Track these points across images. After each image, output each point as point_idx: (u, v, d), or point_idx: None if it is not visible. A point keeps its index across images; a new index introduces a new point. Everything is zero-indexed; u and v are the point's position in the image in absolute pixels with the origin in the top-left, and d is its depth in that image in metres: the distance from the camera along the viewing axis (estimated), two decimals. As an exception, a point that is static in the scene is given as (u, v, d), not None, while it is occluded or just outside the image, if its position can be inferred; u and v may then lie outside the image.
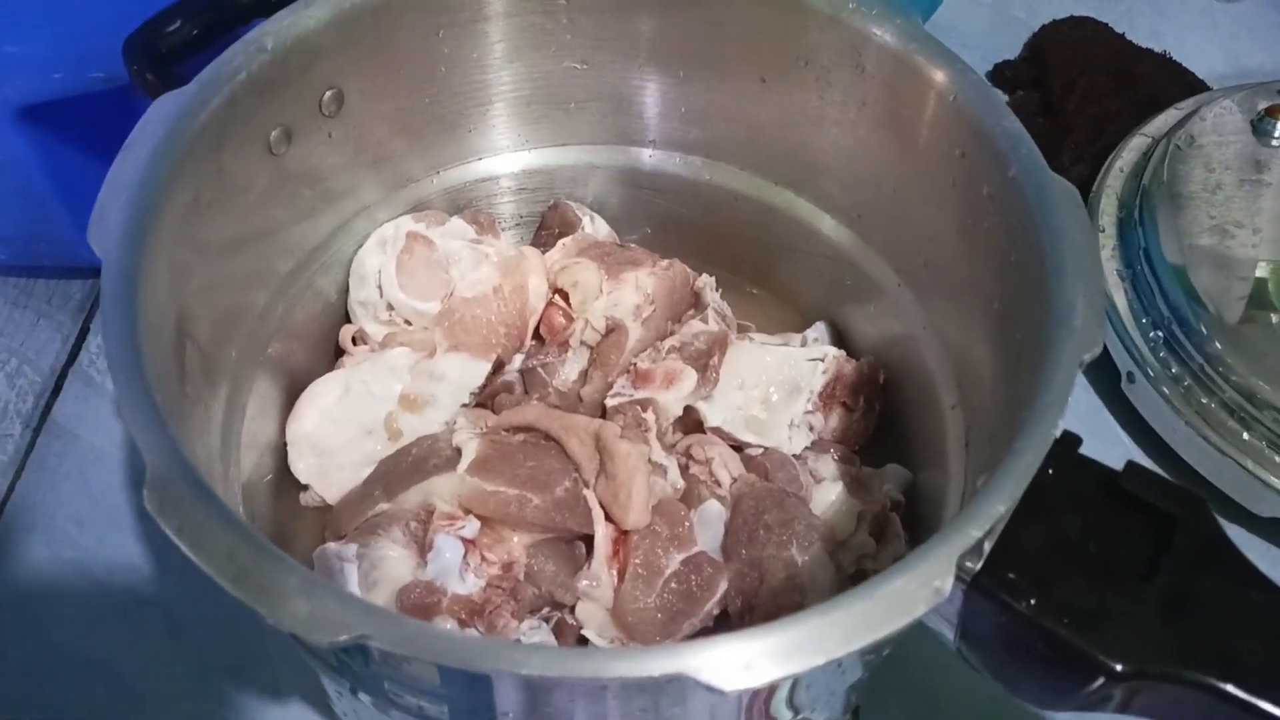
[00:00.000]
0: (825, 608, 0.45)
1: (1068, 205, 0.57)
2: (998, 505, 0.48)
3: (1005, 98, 1.12)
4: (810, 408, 0.77)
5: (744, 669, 0.43)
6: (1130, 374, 0.88)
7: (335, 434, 0.75)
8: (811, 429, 0.77)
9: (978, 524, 0.47)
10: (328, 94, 0.70)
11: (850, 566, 0.71)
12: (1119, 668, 0.48)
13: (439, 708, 0.54)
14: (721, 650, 0.43)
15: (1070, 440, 0.54)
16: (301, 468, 0.75)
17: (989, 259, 0.64)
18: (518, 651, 0.46)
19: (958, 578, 0.48)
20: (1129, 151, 0.98)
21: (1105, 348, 0.89)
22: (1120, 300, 0.90)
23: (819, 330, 0.84)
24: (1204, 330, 0.83)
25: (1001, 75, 1.13)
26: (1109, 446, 0.91)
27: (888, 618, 0.45)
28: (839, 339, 0.84)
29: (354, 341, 0.80)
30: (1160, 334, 0.87)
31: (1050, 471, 0.52)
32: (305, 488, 0.76)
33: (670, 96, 0.80)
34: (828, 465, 0.75)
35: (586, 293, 0.76)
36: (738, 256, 0.88)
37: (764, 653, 0.43)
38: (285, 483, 0.76)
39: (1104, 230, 0.94)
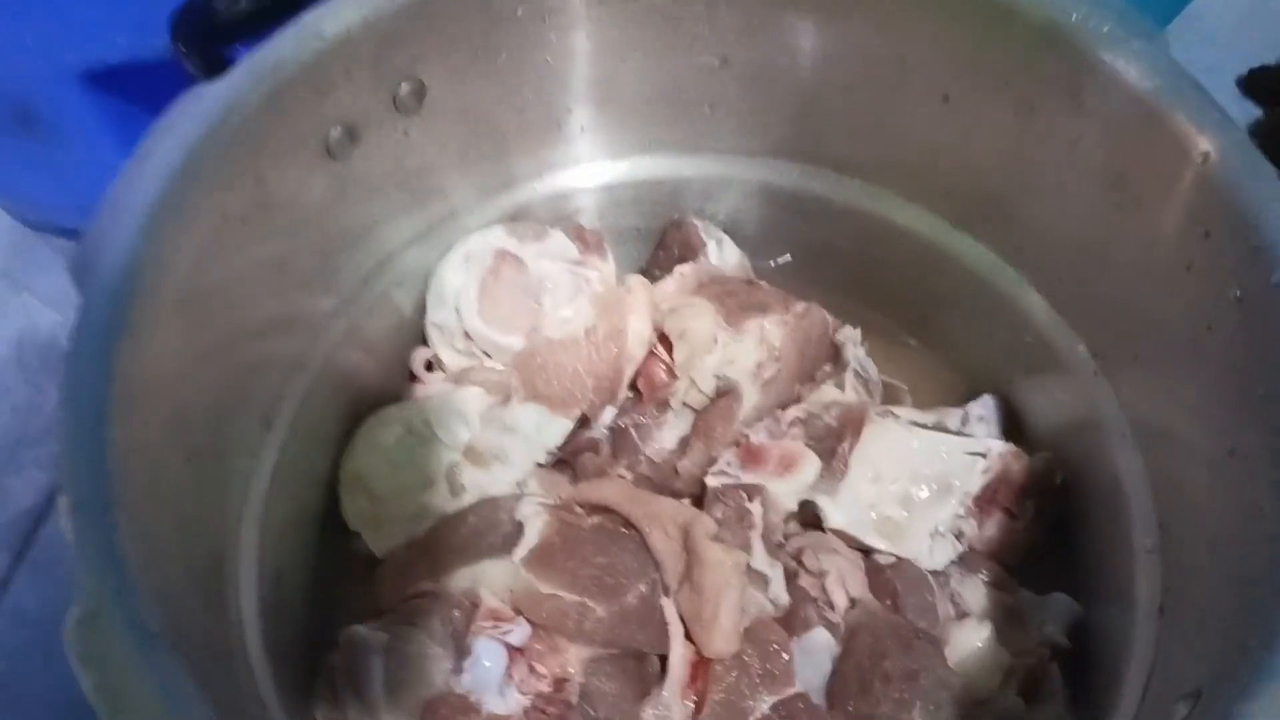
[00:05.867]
0: None
1: None
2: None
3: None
4: (962, 512, 0.62)
5: None
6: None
7: (392, 479, 0.65)
8: (960, 538, 0.62)
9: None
10: (405, 87, 0.58)
11: (989, 731, 0.56)
12: None
13: None
14: None
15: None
16: (351, 512, 0.65)
17: (1225, 382, 0.47)
18: None
19: None
20: None
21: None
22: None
23: (985, 406, 0.67)
24: None
25: (1257, 84, 0.92)
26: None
27: None
28: (1009, 419, 0.68)
29: (428, 368, 0.69)
30: None
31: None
32: (355, 534, 0.66)
33: (827, 106, 0.65)
34: (976, 591, 0.60)
35: (696, 345, 0.62)
36: (896, 300, 0.73)
37: None
38: (334, 524, 0.66)
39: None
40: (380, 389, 0.69)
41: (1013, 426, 0.68)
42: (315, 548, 0.65)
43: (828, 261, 0.74)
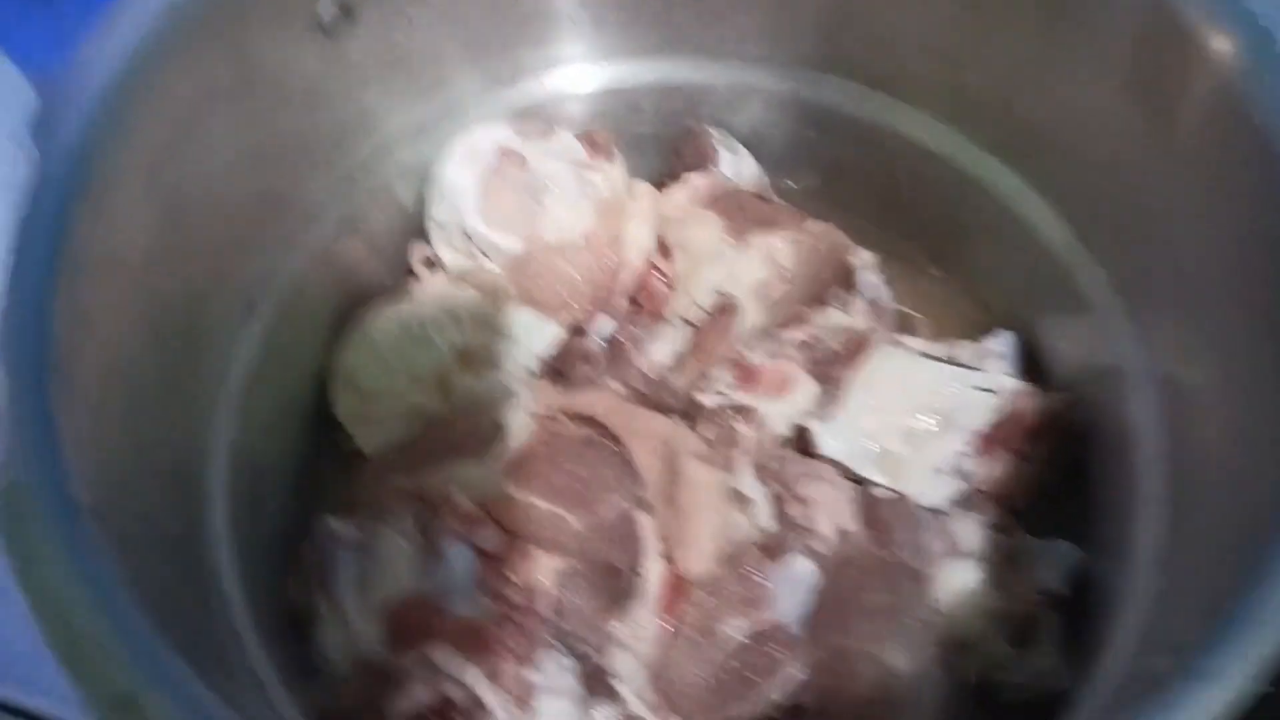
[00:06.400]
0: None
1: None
2: None
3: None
4: (967, 449, 0.59)
5: None
6: None
7: (383, 377, 0.63)
8: (964, 477, 0.59)
9: None
10: (408, -38, 0.56)
11: (972, 676, 0.54)
12: None
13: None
14: None
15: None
16: (341, 407, 0.64)
17: (1256, 313, 0.43)
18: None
19: None
20: None
21: None
22: None
23: (1004, 342, 0.63)
24: None
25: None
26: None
27: None
28: (1030, 360, 0.64)
29: (428, 266, 0.67)
30: None
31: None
32: (344, 429, 0.64)
33: (855, 11, 0.61)
34: (974, 532, 0.57)
35: (696, 257, 0.59)
36: (921, 228, 0.69)
37: None
38: (323, 417, 0.65)
39: None
40: (380, 283, 0.67)
41: (1033, 368, 0.65)
42: (301, 440, 0.64)
43: (853, 184, 0.70)
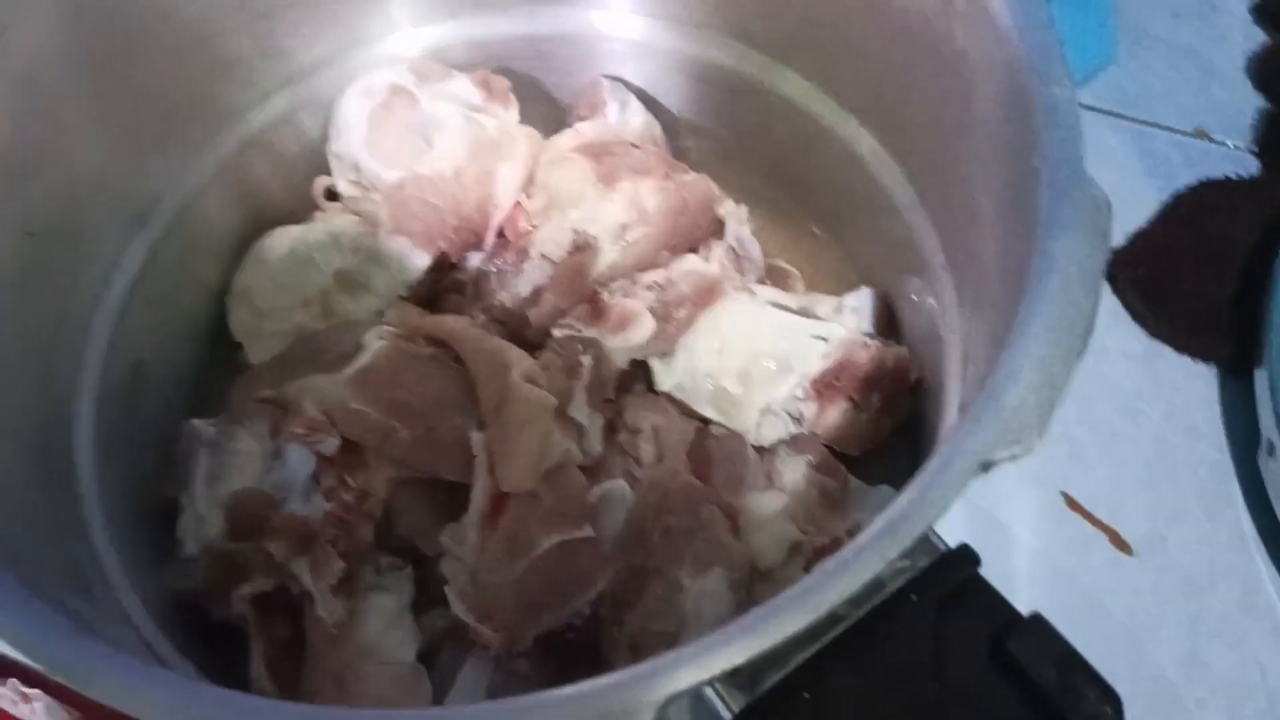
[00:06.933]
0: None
1: (1080, 221, 0.38)
2: (777, 624, 0.33)
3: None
4: (801, 394, 0.61)
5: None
6: (1272, 445, 0.65)
7: (273, 296, 0.68)
8: (798, 420, 0.62)
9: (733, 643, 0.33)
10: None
11: (773, 603, 0.56)
12: None
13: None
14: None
15: (965, 557, 0.37)
16: (236, 322, 0.69)
17: (1009, 276, 0.45)
18: None
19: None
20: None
21: (1255, 411, 0.67)
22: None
23: (861, 298, 0.66)
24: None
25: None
26: (1218, 514, 0.70)
27: None
28: (887, 317, 0.67)
29: (330, 197, 0.71)
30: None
31: (913, 596, 0.36)
32: (240, 346, 0.69)
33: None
34: (795, 469, 0.60)
35: (555, 196, 0.63)
36: (807, 189, 0.72)
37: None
38: (225, 335, 0.69)
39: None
40: (290, 212, 0.71)
41: (889, 327, 0.67)
42: (199, 353, 0.69)
43: (745, 146, 0.73)
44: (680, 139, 0.75)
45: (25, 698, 0.64)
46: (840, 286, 0.70)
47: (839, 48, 0.61)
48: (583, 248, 0.63)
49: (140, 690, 0.34)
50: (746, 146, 0.73)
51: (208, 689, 0.36)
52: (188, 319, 0.68)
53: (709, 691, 0.36)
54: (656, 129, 0.72)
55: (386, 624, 0.58)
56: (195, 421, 0.61)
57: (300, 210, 0.72)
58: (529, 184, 0.66)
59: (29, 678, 0.64)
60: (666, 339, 0.61)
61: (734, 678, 0.35)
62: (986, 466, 0.35)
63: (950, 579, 0.37)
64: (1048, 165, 0.40)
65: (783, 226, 0.73)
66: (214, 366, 0.69)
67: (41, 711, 0.64)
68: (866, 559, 0.34)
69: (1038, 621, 0.37)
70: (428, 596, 0.60)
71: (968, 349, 0.54)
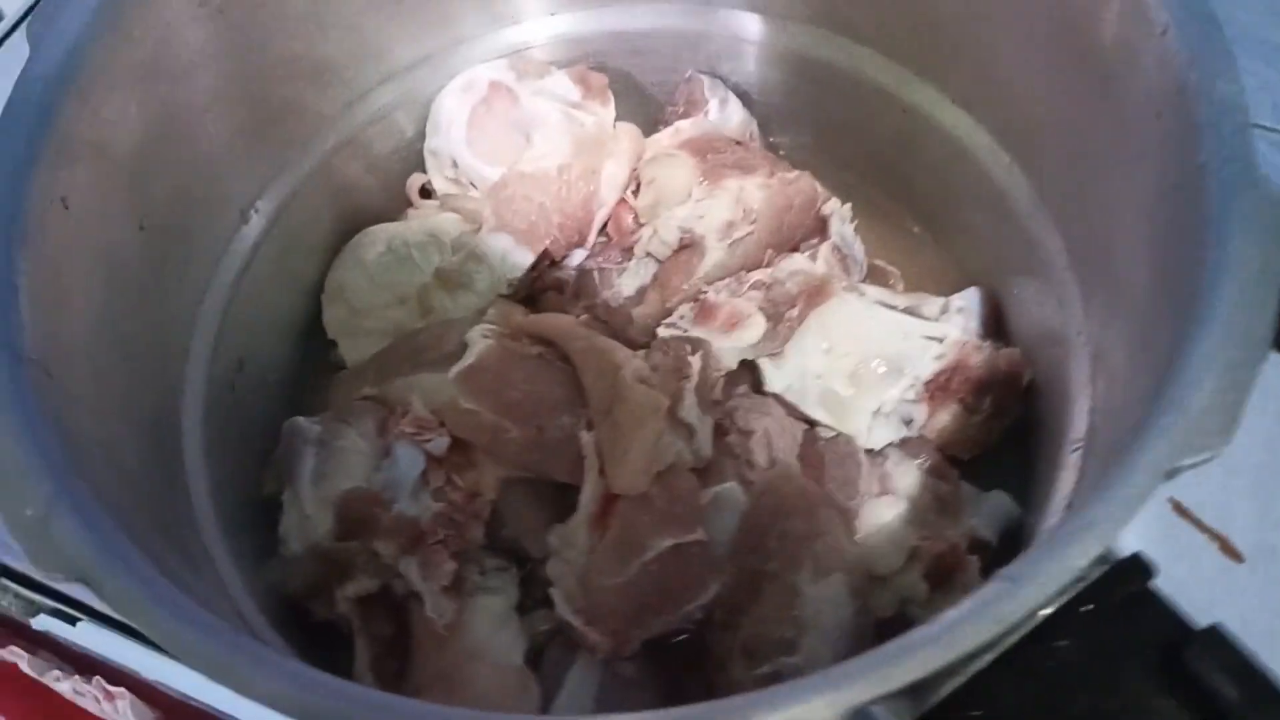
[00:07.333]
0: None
1: (1256, 221, 0.36)
2: (951, 643, 0.32)
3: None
4: (913, 396, 0.60)
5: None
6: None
7: (369, 294, 0.67)
8: (908, 423, 0.61)
9: (906, 662, 0.32)
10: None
11: (889, 609, 0.55)
12: None
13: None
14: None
15: (1138, 567, 0.36)
16: (330, 319, 0.68)
17: (1168, 275, 0.44)
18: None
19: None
20: None
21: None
22: None
23: (968, 298, 0.64)
24: None
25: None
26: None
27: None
28: (995, 319, 0.65)
29: (424, 194, 0.71)
30: None
31: (1085, 607, 0.35)
32: (334, 343, 0.69)
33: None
34: (908, 474, 0.59)
35: (663, 194, 0.62)
36: (906, 186, 0.71)
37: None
38: (319, 332, 0.69)
39: None
40: (382, 209, 0.71)
41: (998, 329, 0.66)
42: (296, 350, 0.69)
43: (842, 141, 0.72)
44: (772, 134, 0.74)
45: (109, 696, 0.64)
46: (940, 286, 0.68)
47: (954, 38, 0.60)
48: (689, 246, 0.62)
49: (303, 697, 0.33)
50: (841, 142, 0.72)
51: (383, 696, 0.35)
52: (288, 318, 0.68)
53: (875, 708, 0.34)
54: (753, 126, 0.72)
55: (493, 626, 0.57)
56: (299, 419, 0.60)
57: (391, 208, 0.72)
58: (631, 181, 0.65)
59: (113, 676, 0.64)
60: (778, 339, 0.59)
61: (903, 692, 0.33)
62: (1172, 474, 0.34)
63: (1122, 589, 0.36)
64: (1215, 162, 0.39)
65: (879, 224, 0.72)
66: (306, 364, 0.69)
67: (126, 709, 0.64)
68: (1052, 569, 0.32)
69: (1214, 633, 0.35)
70: (529, 598, 0.59)
71: (1098, 351, 0.52)
